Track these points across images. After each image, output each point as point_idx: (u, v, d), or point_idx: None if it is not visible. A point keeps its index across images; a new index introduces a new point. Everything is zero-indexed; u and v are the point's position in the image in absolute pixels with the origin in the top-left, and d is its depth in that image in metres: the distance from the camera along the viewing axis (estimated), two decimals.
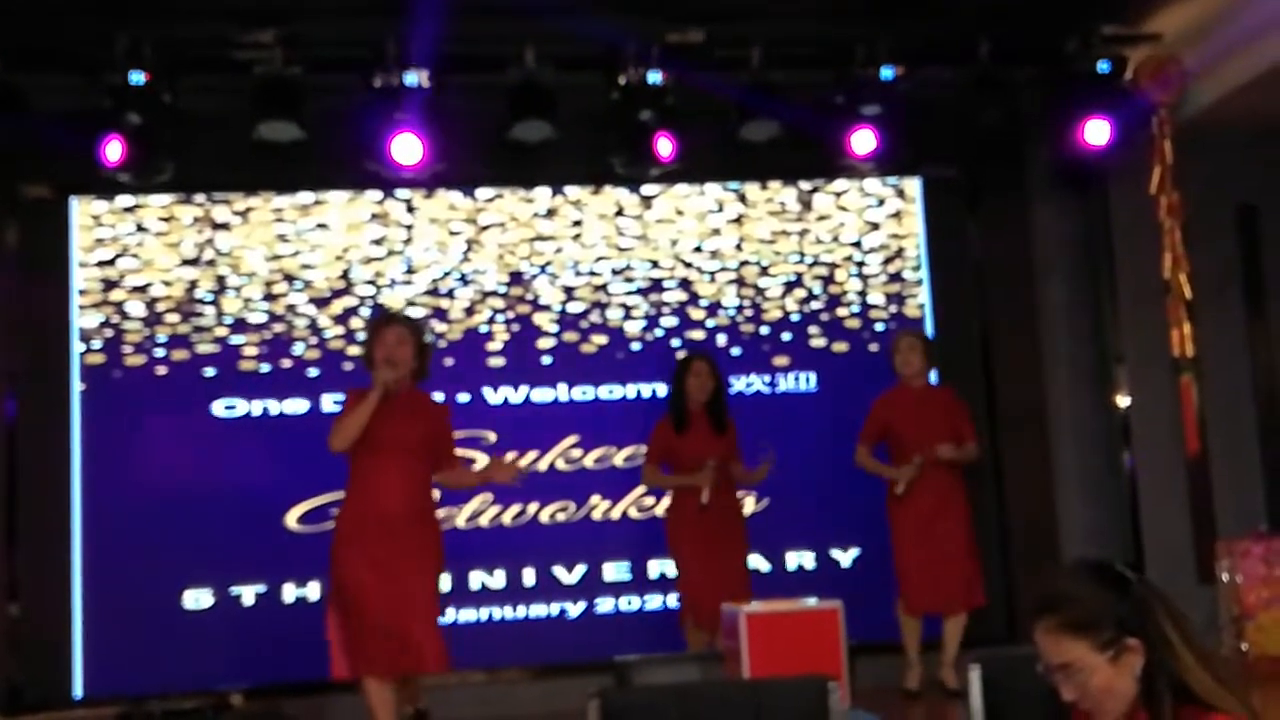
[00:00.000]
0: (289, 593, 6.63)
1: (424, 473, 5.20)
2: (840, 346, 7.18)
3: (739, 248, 7.26)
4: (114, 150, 5.90)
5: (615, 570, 6.89)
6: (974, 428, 6.36)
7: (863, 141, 6.35)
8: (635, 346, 7.08)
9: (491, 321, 7.02)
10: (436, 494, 5.41)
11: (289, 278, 6.89)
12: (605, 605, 6.87)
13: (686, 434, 6.24)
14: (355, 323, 6.85)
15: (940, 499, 6.15)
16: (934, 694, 6.09)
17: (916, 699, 6.00)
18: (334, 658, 5.05)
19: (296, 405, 6.77)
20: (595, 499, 6.93)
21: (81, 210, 6.76)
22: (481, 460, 6.71)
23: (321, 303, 6.89)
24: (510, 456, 6.29)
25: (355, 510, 5.10)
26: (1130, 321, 6.83)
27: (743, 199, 7.30)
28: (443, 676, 6.49)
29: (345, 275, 6.93)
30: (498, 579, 6.80)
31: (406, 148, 6.01)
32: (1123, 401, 6.85)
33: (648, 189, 7.16)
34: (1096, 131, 6.31)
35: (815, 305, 7.26)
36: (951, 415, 6.29)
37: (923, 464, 6.10)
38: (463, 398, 6.87)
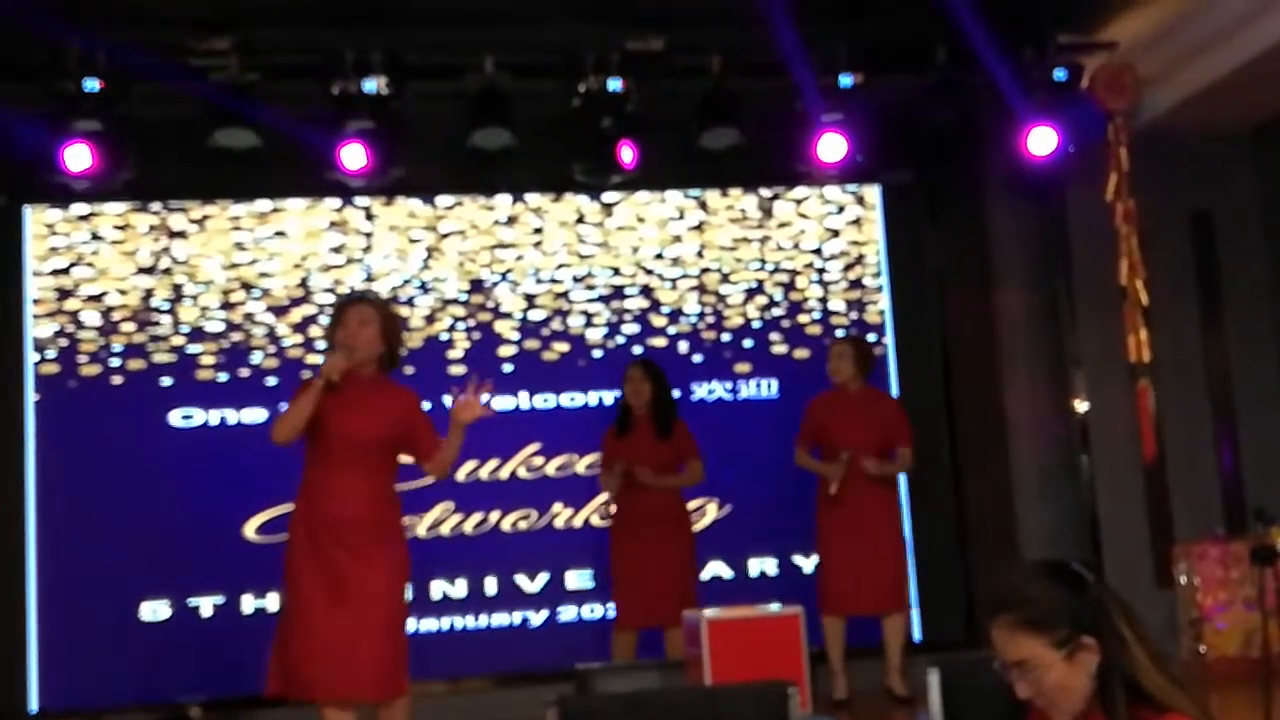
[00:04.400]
0: (248, 604, 6.57)
1: (386, 474, 4.62)
2: (802, 353, 7.20)
3: (700, 255, 7.27)
4: (80, 158, 5.83)
5: (578, 578, 6.87)
6: (910, 435, 6.33)
7: (831, 148, 6.35)
8: (597, 354, 7.07)
9: (452, 329, 6.99)
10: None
11: (247, 286, 6.83)
12: (568, 613, 6.85)
13: (628, 438, 6.28)
14: (314, 331, 6.80)
15: (870, 501, 6.14)
16: (886, 701, 6.07)
17: (845, 707, 5.99)
18: (270, 672, 4.49)
19: (254, 415, 6.71)
20: (557, 507, 6.90)
21: (35, 219, 6.68)
22: None
23: (280, 311, 6.84)
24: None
25: (307, 516, 4.53)
26: (1087, 326, 6.89)
27: (704, 206, 7.31)
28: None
29: (304, 283, 6.88)
30: (459, 588, 6.77)
31: (354, 155, 6.00)
32: (1080, 406, 6.90)
33: (608, 196, 7.16)
34: (1041, 140, 6.36)
35: (776, 312, 7.28)
36: (884, 421, 6.27)
37: (849, 460, 6.07)
38: (423, 406, 6.81)
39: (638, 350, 7.08)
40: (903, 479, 7.13)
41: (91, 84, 5.83)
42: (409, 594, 4.71)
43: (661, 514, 6.23)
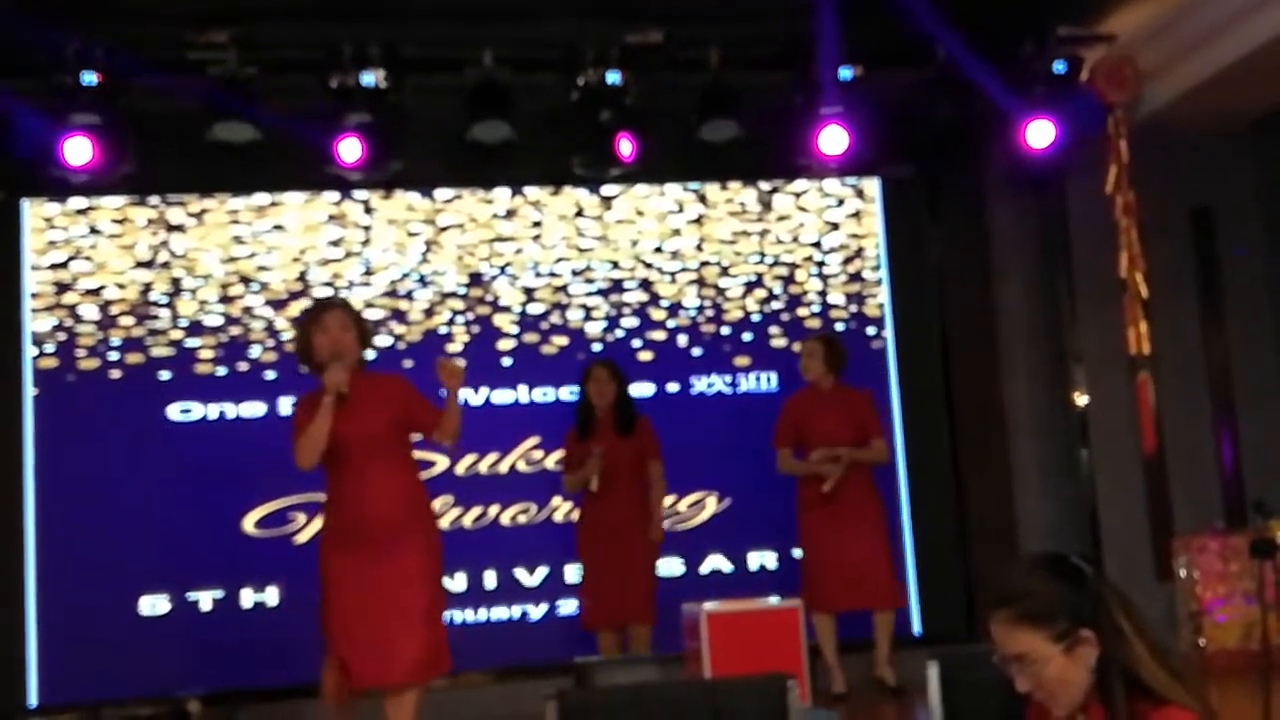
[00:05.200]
0: (247, 598, 6.57)
1: (402, 463, 4.71)
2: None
3: (699, 248, 7.26)
4: (80, 151, 5.82)
5: (577, 572, 6.84)
6: (881, 428, 6.33)
7: (833, 141, 6.33)
8: (596, 348, 7.07)
9: (451, 323, 6.98)
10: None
11: (245, 280, 6.83)
12: (567, 607, 6.84)
13: (591, 439, 6.22)
14: None
15: (851, 498, 6.11)
16: (874, 693, 6.08)
17: (844, 700, 5.99)
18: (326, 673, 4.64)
19: (253, 409, 6.71)
20: (556, 500, 6.90)
21: (33, 212, 6.68)
22: (441, 463, 6.68)
23: (278, 305, 6.84)
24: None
25: (335, 520, 4.66)
26: (1087, 320, 6.89)
27: (703, 199, 7.30)
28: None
29: (302, 277, 6.88)
30: (459, 582, 6.76)
31: (350, 148, 6.00)
32: (1080, 399, 6.90)
33: (608, 189, 7.15)
34: (1039, 133, 6.35)
35: (776, 305, 7.27)
36: (858, 417, 6.25)
37: (848, 462, 6.07)
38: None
39: (636, 344, 7.07)
40: (902, 474, 7.17)
41: (89, 78, 5.82)
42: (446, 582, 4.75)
43: (628, 518, 6.19)
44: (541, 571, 6.86)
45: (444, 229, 7.04)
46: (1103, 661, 2.11)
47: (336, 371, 4.54)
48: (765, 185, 7.34)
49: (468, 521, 6.82)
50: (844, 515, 6.10)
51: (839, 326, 7.21)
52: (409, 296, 6.95)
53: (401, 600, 4.52)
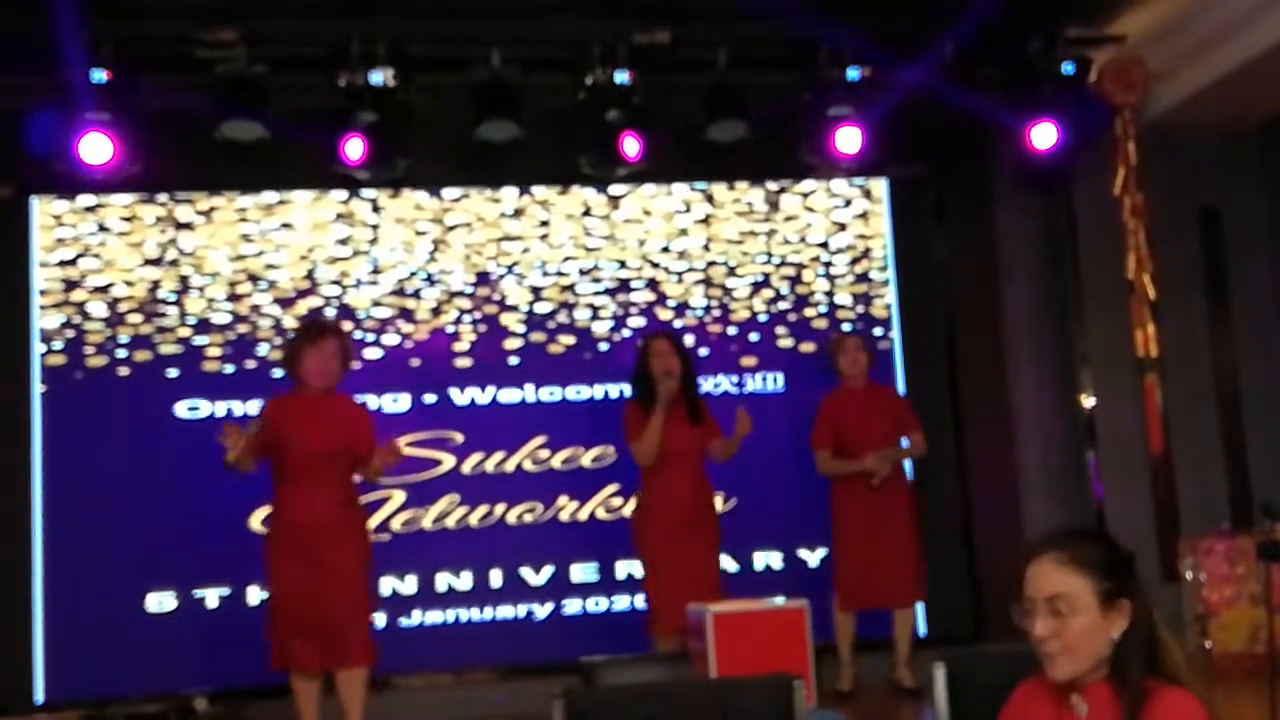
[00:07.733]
0: (253, 595, 6.57)
1: (347, 480, 5.26)
2: (808, 346, 7.19)
3: (706, 248, 7.26)
4: (98, 149, 5.82)
5: (583, 571, 6.86)
6: (919, 422, 6.37)
7: (848, 140, 6.33)
8: (603, 347, 7.07)
9: (458, 322, 6.99)
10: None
11: (253, 278, 6.84)
12: (573, 606, 6.84)
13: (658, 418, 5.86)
14: None
15: (886, 495, 6.15)
16: (890, 693, 6.09)
17: (848, 699, 5.99)
18: (271, 653, 5.24)
19: (260, 407, 6.70)
20: (563, 500, 6.90)
21: (42, 210, 6.69)
22: (448, 462, 6.70)
23: (286, 303, 6.84)
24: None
25: (281, 522, 5.24)
26: (1094, 321, 6.88)
27: (710, 199, 7.30)
28: (409, 678, 6.51)
29: (310, 275, 6.88)
30: (465, 580, 6.77)
31: (355, 146, 6.01)
32: (1087, 401, 6.90)
33: (615, 189, 7.15)
34: (1043, 135, 6.35)
35: (783, 305, 7.27)
36: (895, 411, 6.35)
37: (894, 460, 6.12)
38: (429, 399, 6.85)
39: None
40: (908, 474, 7.15)
41: (99, 75, 5.83)
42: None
43: (701, 508, 5.97)
44: (547, 571, 6.86)
45: (451, 228, 7.05)
46: (1127, 634, 2.16)
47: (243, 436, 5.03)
48: (772, 185, 7.34)
49: (474, 520, 6.83)
50: (879, 513, 6.15)
51: (845, 327, 7.20)
52: (416, 295, 6.95)
53: (347, 594, 5.15)
